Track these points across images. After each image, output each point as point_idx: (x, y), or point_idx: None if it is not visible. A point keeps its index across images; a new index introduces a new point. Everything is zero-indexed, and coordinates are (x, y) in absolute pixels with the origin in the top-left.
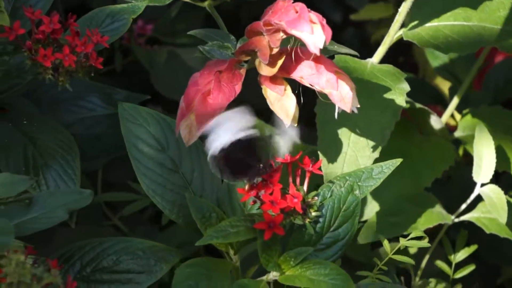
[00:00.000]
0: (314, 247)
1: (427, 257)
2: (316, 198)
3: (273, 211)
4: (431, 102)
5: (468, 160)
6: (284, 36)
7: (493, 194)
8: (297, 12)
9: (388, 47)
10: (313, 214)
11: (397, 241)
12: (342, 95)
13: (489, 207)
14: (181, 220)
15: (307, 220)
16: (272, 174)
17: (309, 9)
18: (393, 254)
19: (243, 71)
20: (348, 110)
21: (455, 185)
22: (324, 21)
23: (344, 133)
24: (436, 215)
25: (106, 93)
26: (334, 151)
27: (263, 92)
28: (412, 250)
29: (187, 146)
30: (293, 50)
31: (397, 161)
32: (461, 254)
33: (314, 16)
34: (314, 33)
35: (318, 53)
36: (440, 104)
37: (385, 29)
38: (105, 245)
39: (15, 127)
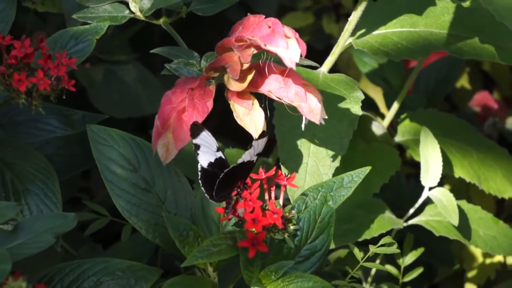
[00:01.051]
0: (293, 260)
1: (377, 262)
2: (293, 212)
3: (256, 228)
4: (364, 109)
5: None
6: (255, 51)
7: (443, 197)
8: (270, 27)
9: (337, 57)
10: (292, 228)
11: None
12: (311, 107)
13: (440, 210)
14: (158, 240)
15: (286, 235)
16: (250, 192)
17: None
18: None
19: (212, 88)
20: (317, 122)
21: (397, 190)
22: (297, 35)
23: (303, 144)
24: (387, 221)
25: (63, 115)
26: (295, 162)
27: (231, 107)
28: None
29: (164, 165)
30: (263, 65)
31: (366, 169)
32: (409, 258)
33: (288, 31)
34: (289, 47)
35: (294, 67)
36: (372, 110)
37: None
38: (84, 266)
39: None
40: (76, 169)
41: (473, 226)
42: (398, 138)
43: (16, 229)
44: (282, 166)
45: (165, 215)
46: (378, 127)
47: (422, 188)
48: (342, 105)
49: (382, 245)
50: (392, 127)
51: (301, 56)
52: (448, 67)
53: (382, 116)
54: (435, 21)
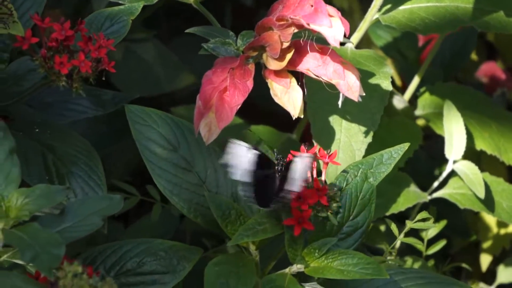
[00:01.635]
0: (336, 237)
1: (401, 235)
2: (335, 189)
3: (301, 206)
4: None
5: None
6: (296, 30)
7: (468, 170)
8: (312, 6)
9: (363, 32)
10: (334, 205)
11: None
12: (349, 85)
13: (466, 182)
14: (200, 219)
15: (330, 212)
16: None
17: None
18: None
19: (252, 67)
20: (356, 99)
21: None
22: (340, 14)
23: (335, 120)
24: (413, 194)
25: (93, 95)
26: (327, 138)
27: (269, 86)
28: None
29: (207, 145)
30: (302, 43)
31: (405, 146)
32: (432, 231)
33: (332, 9)
34: (333, 26)
35: (338, 46)
36: None
37: None
38: (125, 247)
39: (27, 136)
40: (105, 148)
41: (496, 198)
42: (418, 112)
43: (63, 212)
44: (315, 142)
45: (207, 193)
46: (400, 101)
47: (437, 161)
48: (372, 80)
49: (418, 220)
50: (410, 101)
51: (344, 34)
52: (463, 40)
53: (397, 89)
54: None
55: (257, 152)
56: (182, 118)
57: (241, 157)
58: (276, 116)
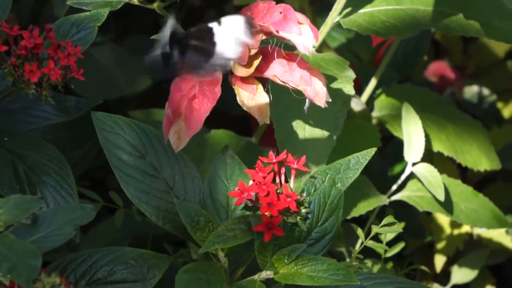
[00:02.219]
0: (304, 243)
1: (367, 240)
2: (304, 195)
3: (271, 212)
4: None
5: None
6: (264, 37)
7: (428, 172)
8: (281, 13)
9: (325, 36)
10: (303, 211)
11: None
12: (316, 91)
13: (426, 185)
14: (168, 226)
15: (299, 218)
16: (265, 176)
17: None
18: None
19: (219, 74)
20: (322, 105)
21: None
22: (309, 21)
23: (299, 125)
24: (373, 198)
25: (57, 101)
26: (291, 143)
27: (236, 92)
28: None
29: (176, 152)
30: (270, 50)
31: (372, 151)
32: (390, 234)
33: (301, 16)
34: (302, 33)
35: (308, 53)
36: None
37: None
38: (96, 256)
39: None
40: (65, 154)
41: (454, 200)
42: (375, 114)
43: (36, 222)
44: (279, 148)
45: (175, 201)
46: (357, 104)
47: (391, 162)
48: (334, 85)
49: (384, 225)
50: (367, 103)
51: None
52: (416, 40)
53: None
54: None
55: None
56: (140, 122)
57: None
58: (232, 118)
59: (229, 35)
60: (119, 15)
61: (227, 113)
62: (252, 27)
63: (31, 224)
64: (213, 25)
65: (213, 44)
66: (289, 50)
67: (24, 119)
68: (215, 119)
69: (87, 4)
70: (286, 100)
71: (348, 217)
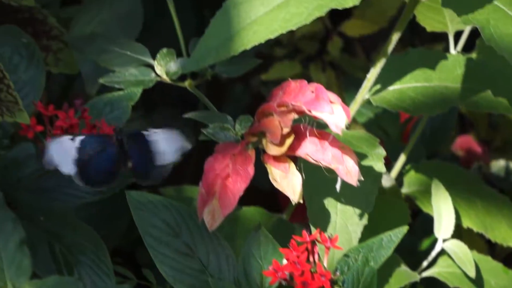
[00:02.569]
0: None
1: None
2: (338, 273)
3: None
4: None
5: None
6: (296, 117)
7: (458, 249)
8: (313, 92)
9: (354, 113)
10: None
11: None
12: (348, 169)
13: (456, 261)
14: None
15: None
16: (299, 255)
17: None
18: None
19: (252, 153)
20: (354, 184)
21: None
22: (341, 100)
23: (330, 203)
24: (404, 274)
25: None
26: (324, 221)
27: (268, 170)
28: None
29: (210, 231)
30: (303, 129)
31: (404, 229)
32: None
33: (333, 96)
34: (334, 113)
35: (340, 132)
36: None
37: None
38: None
39: (32, 224)
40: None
41: (484, 276)
42: (405, 190)
43: None
44: (311, 226)
45: (210, 280)
46: (387, 180)
47: (419, 236)
48: (365, 162)
49: None
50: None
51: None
52: (443, 115)
53: None
54: (449, 75)
55: (82, 137)
56: (172, 199)
57: (66, 150)
58: (260, 192)
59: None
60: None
61: (256, 188)
62: (188, 137)
63: None
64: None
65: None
66: (321, 129)
67: (58, 197)
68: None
69: (119, 82)
70: (318, 178)
71: None
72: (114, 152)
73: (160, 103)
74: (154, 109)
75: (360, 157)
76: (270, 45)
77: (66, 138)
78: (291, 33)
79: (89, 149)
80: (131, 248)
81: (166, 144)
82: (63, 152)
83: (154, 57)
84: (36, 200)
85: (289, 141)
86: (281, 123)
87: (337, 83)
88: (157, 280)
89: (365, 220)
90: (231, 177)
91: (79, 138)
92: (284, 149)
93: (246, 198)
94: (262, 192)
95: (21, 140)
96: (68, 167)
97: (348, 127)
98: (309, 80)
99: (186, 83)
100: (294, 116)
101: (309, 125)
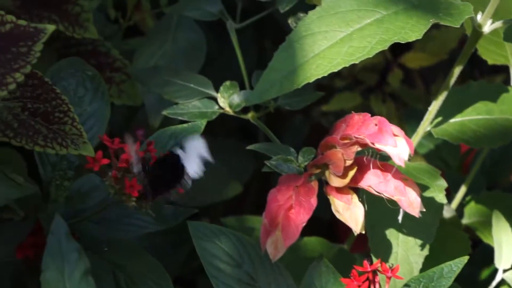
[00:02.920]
0: None
1: None
2: None
3: None
4: None
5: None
6: (359, 149)
7: None
8: (376, 125)
9: (416, 144)
10: None
11: None
12: (410, 201)
13: None
14: None
15: None
16: (360, 285)
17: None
18: None
19: (315, 184)
20: (417, 215)
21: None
22: (404, 133)
23: (392, 234)
24: None
25: (154, 210)
26: (385, 251)
27: (331, 201)
28: None
29: (273, 262)
30: (367, 161)
31: (464, 259)
32: None
33: (396, 129)
34: (397, 145)
35: (403, 165)
36: None
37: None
38: None
39: (96, 254)
40: (160, 261)
41: None
42: (465, 221)
43: None
44: (372, 256)
45: None
46: (447, 211)
47: (478, 267)
48: (427, 194)
49: None
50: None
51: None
52: (503, 147)
53: None
54: (510, 108)
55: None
56: (233, 229)
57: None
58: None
59: (193, 157)
60: None
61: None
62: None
63: None
64: (178, 151)
65: (182, 167)
66: (383, 161)
67: (121, 228)
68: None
69: (183, 114)
70: (380, 209)
71: None
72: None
73: (220, 133)
74: (214, 139)
75: (422, 188)
76: (330, 77)
77: None
78: (352, 65)
79: None
80: (192, 277)
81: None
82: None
83: (217, 90)
84: (99, 230)
85: (352, 173)
86: (344, 155)
87: (398, 114)
88: None
89: (426, 251)
90: (294, 209)
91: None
92: (347, 181)
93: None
94: (320, 221)
95: (86, 172)
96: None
97: (410, 158)
98: (369, 112)
99: (249, 115)
100: (357, 148)
101: (371, 157)
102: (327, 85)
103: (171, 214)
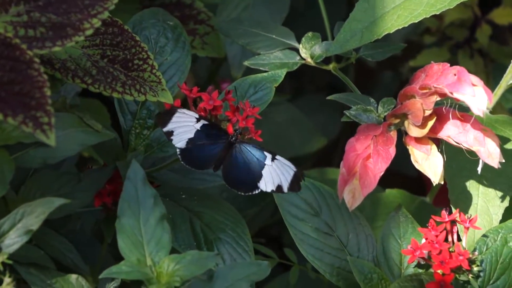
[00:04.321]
0: None
1: None
2: (476, 253)
3: (443, 270)
4: None
5: None
6: (438, 99)
7: None
8: (455, 75)
9: (498, 98)
10: (475, 269)
11: None
12: (489, 152)
13: None
14: (341, 283)
15: (471, 276)
16: (437, 235)
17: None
18: None
19: (394, 134)
20: (496, 166)
21: None
22: (483, 83)
23: (472, 185)
24: None
25: None
26: (465, 203)
27: (410, 152)
28: None
29: (350, 211)
30: (445, 111)
31: None
32: None
33: (474, 78)
34: (476, 95)
35: (482, 115)
36: None
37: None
38: None
39: (174, 201)
40: (241, 212)
41: None
42: None
43: (212, 277)
44: (452, 207)
45: (349, 258)
46: None
47: None
48: (508, 146)
49: None
50: None
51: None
52: None
53: None
54: None
55: (204, 121)
56: (316, 181)
57: (186, 126)
58: (407, 178)
59: (274, 175)
60: (294, 75)
61: (403, 174)
62: (298, 181)
63: (207, 279)
64: (267, 155)
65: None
66: (462, 111)
67: (200, 177)
68: (390, 179)
69: (264, 65)
70: (459, 160)
71: None
72: (218, 150)
73: (310, 90)
74: (302, 94)
75: (503, 140)
76: (420, 33)
77: (192, 115)
78: (439, 20)
79: (203, 137)
80: (277, 229)
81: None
82: (183, 126)
83: (299, 42)
84: (179, 179)
85: (430, 123)
86: (423, 105)
87: (485, 70)
88: (299, 260)
89: (506, 202)
90: (372, 158)
91: (202, 122)
92: (425, 131)
93: (393, 183)
94: (408, 177)
95: None
96: (179, 142)
97: (492, 112)
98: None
99: (331, 66)
100: (436, 98)
101: (450, 108)
102: (416, 42)
103: None
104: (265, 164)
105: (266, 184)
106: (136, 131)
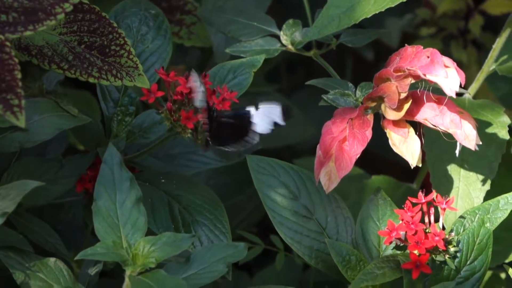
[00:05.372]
0: (454, 281)
1: None
2: (452, 234)
3: (419, 250)
4: None
5: None
6: (413, 81)
7: None
8: (428, 57)
9: (481, 83)
10: (452, 249)
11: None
12: (466, 134)
13: None
14: (320, 265)
15: (447, 256)
16: (413, 216)
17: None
18: None
19: (370, 117)
20: (473, 148)
21: None
22: (456, 65)
23: (453, 169)
24: None
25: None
26: (446, 186)
27: (388, 135)
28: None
29: (327, 193)
30: (420, 94)
31: None
32: None
33: (447, 60)
34: (449, 77)
35: (454, 96)
36: None
37: None
38: None
39: (154, 186)
40: (227, 199)
41: None
42: None
43: (189, 259)
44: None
45: (327, 240)
46: None
47: None
48: (489, 130)
49: None
50: None
51: (460, 84)
52: None
53: None
54: None
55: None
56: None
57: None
58: (396, 166)
59: (265, 118)
60: (291, 70)
61: (394, 161)
62: (288, 114)
63: (185, 261)
64: (250, 108)
65: (250, 123)
66: (440, 95)
67: (184, 163)
68: (380, 166)
69: (245, 52)
70: (440, 144)
71: (507, 261)
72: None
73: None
74: (299, 89)
75: (484, 125)
76: (416, 26)
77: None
78: (433, 11)
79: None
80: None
81: (260, 118)
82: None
83: (281, 29)
84: (163, 165)
85: (406, 106)
86: (398, 88)
87: (479, 60)
88: (286, 247)
89: (487, 186)
90: (348, 140)
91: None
92: (402, 113)
93: (383, 170)
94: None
95: (147, 108)
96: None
97: (478, 97)
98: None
99: (311, 52)
100: (411, 80)
101: (426, 91)
102: (412, 34)
103: (234, 151)
104: (251, 115)
105: (262, 128)
106: (118, 118)
